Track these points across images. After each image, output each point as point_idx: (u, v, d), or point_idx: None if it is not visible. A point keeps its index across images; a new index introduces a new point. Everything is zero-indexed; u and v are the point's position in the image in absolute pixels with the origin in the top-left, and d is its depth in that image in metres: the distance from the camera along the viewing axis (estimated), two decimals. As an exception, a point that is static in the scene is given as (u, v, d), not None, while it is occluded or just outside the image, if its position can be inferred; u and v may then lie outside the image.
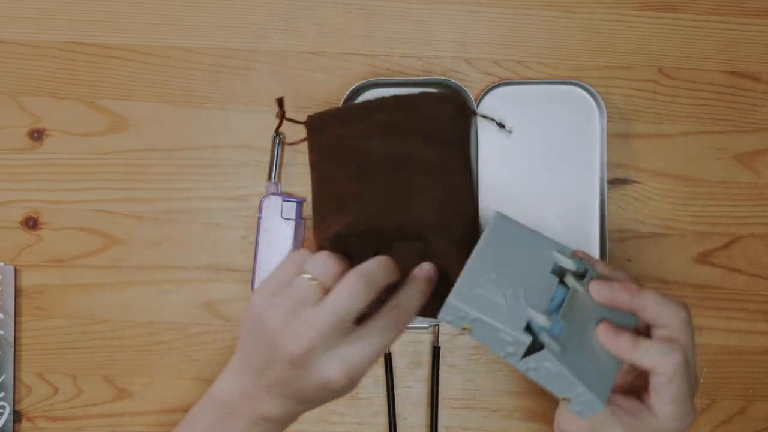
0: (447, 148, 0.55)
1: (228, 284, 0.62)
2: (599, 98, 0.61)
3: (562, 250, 0.50)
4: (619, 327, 0.47)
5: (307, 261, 0.47)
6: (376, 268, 0.47)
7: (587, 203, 0.62)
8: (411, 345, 0.63)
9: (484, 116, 0.60)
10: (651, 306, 0.46)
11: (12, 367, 0.62)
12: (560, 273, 0.49)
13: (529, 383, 0.61)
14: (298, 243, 0.60)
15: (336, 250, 0.49)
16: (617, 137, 0.63)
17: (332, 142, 0.55)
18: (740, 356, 0.63)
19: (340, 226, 0.52)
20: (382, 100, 0.56)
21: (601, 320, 0.47)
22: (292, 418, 0.49)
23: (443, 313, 0.47)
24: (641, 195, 0.63)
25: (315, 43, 0.63)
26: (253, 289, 0.60)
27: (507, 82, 0.62)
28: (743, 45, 0.64)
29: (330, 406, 0.61)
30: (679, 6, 0.64)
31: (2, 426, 0.61)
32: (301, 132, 0.58)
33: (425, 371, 0.63)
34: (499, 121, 0.60)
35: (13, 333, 0.62)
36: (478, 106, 0.62)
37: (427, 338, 0.63)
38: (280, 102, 0.55)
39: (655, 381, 0.45)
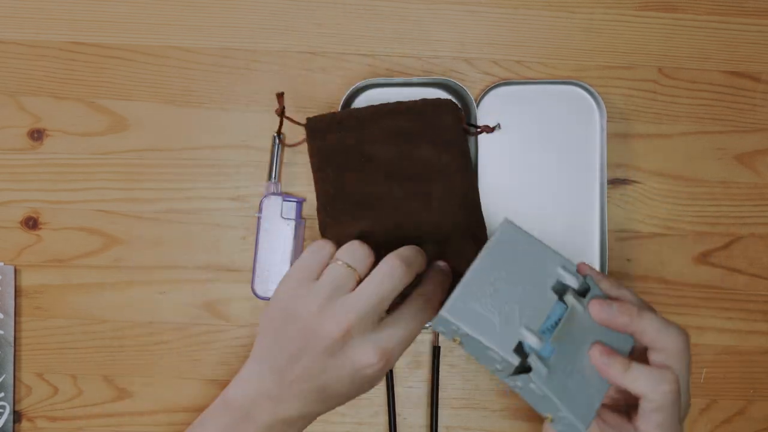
0: (455, 153, 0.56)
1: (228, 284, 0.62)
2: (599, 98, 0.61)
3: (567, 265, 0.49)
4: (612, 350, 0.46)
5: (341, 249, 0.48)
6: (412, 253, 0.49)
7: (587, 203, 0.62)
8: (411, 345, 0.63)
9: (470, 125, 0.60)
10: (650, 331, 0.46)
11: (12, 367, 0.62)
12: (561, 290, 0.48)
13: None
14: (298, 243, 0.60)
15: None
16: (617, 137, 0.63)
17: (336, 146, 0.55)
18: (740, 356, 0.63)
19: (364, 227, 0.52)
20: (385, 106, 0.56)
21: (595, 342, 0.47)
22: (308, 420, 0.49)
23: (435, 323, 0.47)
24: (641, 195, 0.63)
25: (315, 43, 0.63)
26: (253, 289, 0.60)
27: (507, 82, 0.62)
28: (743, 45, 0.64)
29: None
30: (679, 6, 0.64)
31: (2, 426, 0.61)
32: (301, 132, 0.58)
33: (425, 371, 0.63)
34: (491, 125, 0.60)
35: (13, 333, 0.62)
36: (478, 106, 0.62)
37: (427, 338, 0.63)
38: (280, 97, 0.54)
39: (643, 406, 0.45)
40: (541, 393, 0.45)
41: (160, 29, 0.63)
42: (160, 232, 0.62)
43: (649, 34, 0.64)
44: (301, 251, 0.61)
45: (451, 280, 0.52)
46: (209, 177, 0.63)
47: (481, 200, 0.60)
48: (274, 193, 0.61)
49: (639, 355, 0.47)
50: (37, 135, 0.63)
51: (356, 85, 0.61)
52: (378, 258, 0.49)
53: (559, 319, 0.47)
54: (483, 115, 0.61)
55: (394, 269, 0.47)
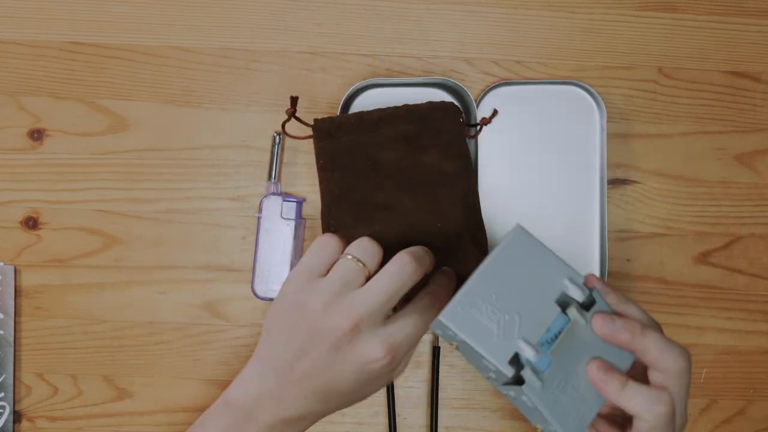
0: (458, 157, 0.56)
1: (228, 284, 0.62)
2: (599, 98, 0.61)
3: (574, 277, 0.48)
4: (610, 367, 0.46)
5: (351, 245, 0.49)
6: (422, 251, 0.49)
7: (587, 203, 0.62)
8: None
9: (471, 125, 0.60)
10: (651, 350, 0.46)
11: (12, 367, 0.62)
12: (565, 302, 0.48)
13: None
14: (298, 243, 0.60)
15: None
16: (617, 137, 0.63)
17: (345, 149, 0.55)
18: (740, 356, 0.63)
19: (368, 231, 0.53)
20: (393, 110, 0.56)
21: (594, 358, 0.47)
22: (310, 421, 0.49)
23: (433, 326, 0.47)
24: (641, 195, 0.63)
25: (315, 43, 0.63)
26: (253, 289, 0.60)
27: (507, 82, 0.62)
28: (743, 45, 0.64)
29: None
30: (679, 6, 0.64)
31: (2, 426, 0.61)
32: (305, 130, 0.57)
33: (425, 371, 0.63)
34: (487, 116, 0.60)
35: (13, 333, 0.62)
36: (478, 106, 0.62)
37: (427, 338, 0.63)
38: (294, 101, 0.54)
39: (637, 426, 0.45)
40: (533, 405, 0.45)
41: (160, 29, 0.63)
42: (160, 232, 0.62)
43: (649, 34, 0.64)
44: (302, 251, 0.61)
45: (455, 283, 0.52)
46: (209, 177, 0.63)
47: (481, 200, 0.60)
48: (274, 193, 0.61)
49: (639, 371, 0.47)
50: (37, 135, 0.63)
51: (356, 85, 0.61)
52: (384, 261, 0.49)
53: (560, 332, 0.46)
54: (483, 115, 0.61)
55: (404, 265, 0.47)
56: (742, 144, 0.64)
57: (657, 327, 0.48)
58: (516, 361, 0.45)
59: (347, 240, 0.50)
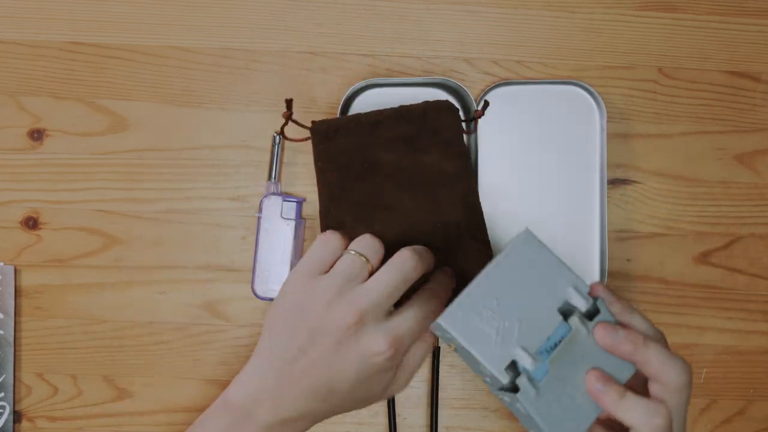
0: (456, 156, 0.56)
1: (228, 284, 0.62)
2: (599, 98, 0.61)
3: (579, 286, 0.47)
4: (608, 377, 0.46)
5: (354, 242, 0.49)
6: (423, 249, 0.50)
7: (587, 203, 0.62)
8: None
9: (466, 120, 0.59)
10: (653, 362, 0.45)
11: (12, 367, 0.62)
12: (568, 311, 0.47)
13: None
14: (298, 243, 0.60)
15: None
16: (617, 137, 0.63)
17: (343, 151, 0.55)
18: (740, 356, 0.63)
19: (374, 231, 0.53)
20: (390, 112, 0.56)
21: (593, 367, 0.46)
22: (309, 421, 0.48)
23: (432, 327, 0.47)
24: (641, 195, 0.63)
25: (315, 43, 0.63)
26: (253, 289, 0.60)
27: (507, 82, 0.62)
28: (743, 45, 0.64)
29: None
30: (679, 6, 0.64)
31: (2, 426, 0.61)
32: (303, 132, 0.57)
33: (425, 371, 0.63)
34: (479, 108, 0.59)
35: (13, 333, 0.62)
36: (478, 106, 0.62)
37: (427, 338, 0.63)
38: (289, 104, 0.55)
39: None
40: (526, 413, 0.45)
41: (160, 29, 0.63)
42: (160, 232, 0.62)
43: (649, 34, 0.64)
44: (302, 251, 0.61)
45: (455, 283, 0.52)
46: (209, 177, 0.63)
47: (481, 200, 0.60)
48: (274, 193, 0.61)
49: (640, 382, 0.47)
50: (37, 135, 0.63)
51: (356, 85, 0.61)
52: (384, 261, 0.49)
53: (561, 341, 0.46)
54: (484, 117, 0.61)
55: (406, 260, 0.48)
56: (742, 144, 0.64)
57: (661, 339, 0.48)
58: (513, 367, 0.45)
59: (349, 238, 0.50)
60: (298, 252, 0.61)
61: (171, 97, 0.63)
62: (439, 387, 0.62)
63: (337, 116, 0.59)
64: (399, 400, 0.62)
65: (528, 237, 0.48)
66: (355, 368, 0.46)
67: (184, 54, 0.63)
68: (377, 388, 0.48)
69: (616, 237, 0.63)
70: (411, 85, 0.62)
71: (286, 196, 0.61)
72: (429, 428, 0.62)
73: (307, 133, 0.55)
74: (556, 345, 0.46)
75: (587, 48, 0.64)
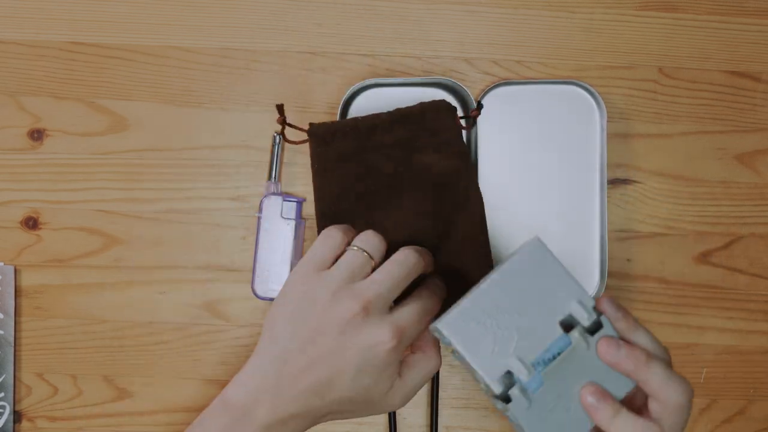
0: (460, 158, 0.56)
1: (228, 284, 0.62)
2: (599, 98, 0.61)
3: (584, 300, 0.47)
4: (604, 393, 0.45)
5: (356, 238, 0.50)
6: (424, 250, 0.51)
7: (587, 203, 0.62)
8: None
9: (463, 117, 0.59)
10: (654, 381, 0.45)
11: (12, 367, 0.62)
12: (569, 324, 0.46)
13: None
14: (298, 243, 0.60)
15: None
16: (617, 137, 0.63)
17: (341, 154, 0.55)
18: (740, 356, 0.63)
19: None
20: (387, 116, 0.56)
21: (589, 382, 0.46)
22: (309, 421, 0.48)
23: (432, 328, 0.47)
24: (641, 195, 0.63)
25: (315, 43, 0.63)
26: (253, 289, 0.60)
27: (507, 82, 0.62)
28: (743, 45, 0.64)
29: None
30: (680, 6, 0.64)
31: (2, 426, 0.61)
32: (303, 134, 0.57)
33: (425, 371, 0.63)
34: (474, 108, 0.59)
35: (13, 333, 0.62)
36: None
37: (427, 338, 0.63)
38: (280, 109, 0.54)
39: None
40: (517, 423, 0.45)
41: (160, 29, 0.63)
42: (160, 232, 0.62)
43: (650, 34, 0.64)
44: (302, 251, 0.61)
45: (446, 293, 0.52)
46: (209, 177, 0.63)
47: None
48: (274, 193, 0.61)
49: (641, 397, 0.47)
50: (37, 135, 0.63)
51: (356, 85, 0.61)
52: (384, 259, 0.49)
53: (559, 353, 0.46)
54: (483, 115, 0.61)
55: (409, 256, 0.49)
56: (743, 144, 0.64)
57: (665, 357, 0.47)
58: (508, 377, 0.45)
59: (351, 235, 0.50)
60: (298, 252, 0.61)
61: (171, 97, 0.63)
62: (439, 387, 0.62)
63: (335, 120, 0.59)
64: (399, 400, 0.62)
65: (537, 245, 0.47)
66: (356, 360, 0.46)
67: (184, 54, 0.63)
68: (377, 387, 0.48)
69: (616, 237, 0.63)
70: (411, 85, 0.62)
71: (286, 196, 0.61)
72: (429, 428, 0.62)
73: (304, 136, 0.55)
74: (554, 357, 0.46)
75: (587, 48, 0.64)
